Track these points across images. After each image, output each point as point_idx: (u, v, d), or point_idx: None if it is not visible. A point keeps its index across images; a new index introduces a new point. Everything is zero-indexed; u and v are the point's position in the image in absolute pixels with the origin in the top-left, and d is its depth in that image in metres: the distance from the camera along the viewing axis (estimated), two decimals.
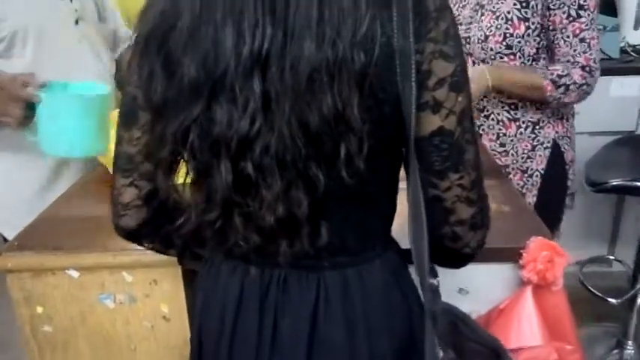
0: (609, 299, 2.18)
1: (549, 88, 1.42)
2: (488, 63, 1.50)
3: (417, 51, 0.63)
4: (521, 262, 0.99)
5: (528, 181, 1.58)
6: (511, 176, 1.59)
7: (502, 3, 1.45)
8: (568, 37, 1.40)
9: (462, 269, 1.05)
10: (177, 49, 0.63)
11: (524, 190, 1.59)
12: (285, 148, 0.62)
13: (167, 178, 0.71)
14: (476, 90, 1.48)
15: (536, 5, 1.40)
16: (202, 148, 0.64)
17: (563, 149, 1.58)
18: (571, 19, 1.38)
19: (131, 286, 1.04)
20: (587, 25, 1.39)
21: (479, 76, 1.47)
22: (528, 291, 1.00)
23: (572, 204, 2.52)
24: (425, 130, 0.66)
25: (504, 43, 1.45)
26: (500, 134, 1.58)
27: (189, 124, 0.63)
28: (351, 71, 0.60)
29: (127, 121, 0.75)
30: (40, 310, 1.06)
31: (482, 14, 1.49)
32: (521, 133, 1.56)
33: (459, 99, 0.66)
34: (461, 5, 1.57)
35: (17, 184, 1.47)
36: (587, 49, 1.40)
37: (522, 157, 1.57)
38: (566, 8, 1.38)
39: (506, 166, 1.59)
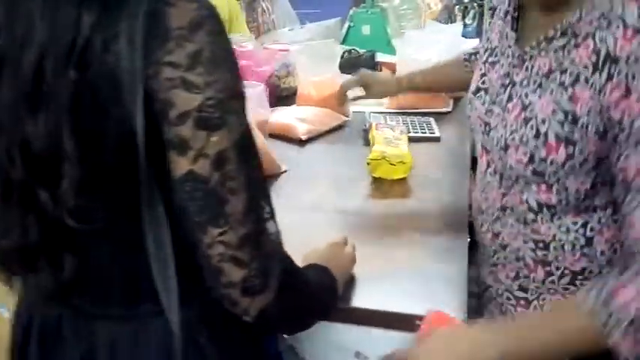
0: None
1: (616, 336, 0.68)
2: (509, 181, 0.92)
3: (148, 76, 0.55)
4: (418, 335, 0.86)
5: None
6: None
7: (537, 92, 0.84)
8: None
9: (361, 331, 0.94)
10: None
11: None
12: (8, 169, 0.59)
13: None
14: None
15: (587, 125, 0.78)
16: None
17: None
18: None
19: None
20: None
21: (472, 348, 0.75)
22: None
23: None
24: (175, 172, 0.59)
25: (531, 167, 0.85)
26: (522, 275, 0.97)
27: None
28: (64, 90, 0.55)
29: None
30: None
31: (510, 98, 0.89)
32: (552, 282, 0.93)
33: (213, 139, 0.57)
34: (490, 62, 0.97)
35: None
36: None
37: None
38: None
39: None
